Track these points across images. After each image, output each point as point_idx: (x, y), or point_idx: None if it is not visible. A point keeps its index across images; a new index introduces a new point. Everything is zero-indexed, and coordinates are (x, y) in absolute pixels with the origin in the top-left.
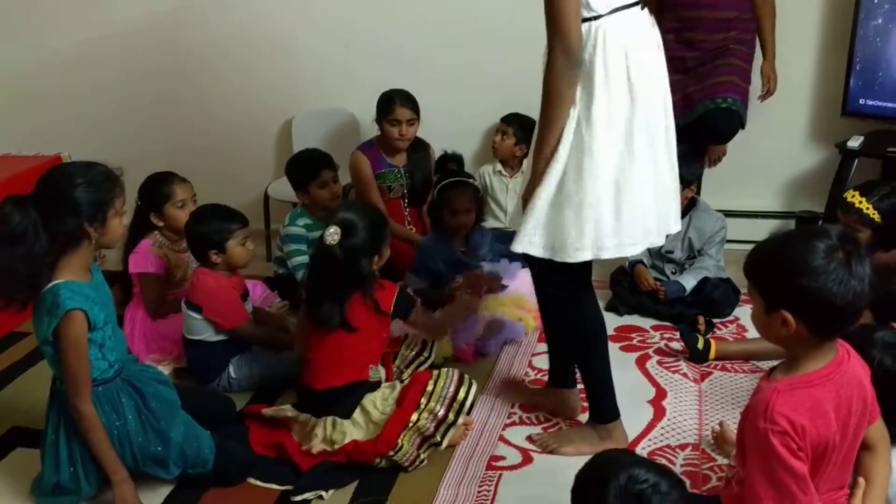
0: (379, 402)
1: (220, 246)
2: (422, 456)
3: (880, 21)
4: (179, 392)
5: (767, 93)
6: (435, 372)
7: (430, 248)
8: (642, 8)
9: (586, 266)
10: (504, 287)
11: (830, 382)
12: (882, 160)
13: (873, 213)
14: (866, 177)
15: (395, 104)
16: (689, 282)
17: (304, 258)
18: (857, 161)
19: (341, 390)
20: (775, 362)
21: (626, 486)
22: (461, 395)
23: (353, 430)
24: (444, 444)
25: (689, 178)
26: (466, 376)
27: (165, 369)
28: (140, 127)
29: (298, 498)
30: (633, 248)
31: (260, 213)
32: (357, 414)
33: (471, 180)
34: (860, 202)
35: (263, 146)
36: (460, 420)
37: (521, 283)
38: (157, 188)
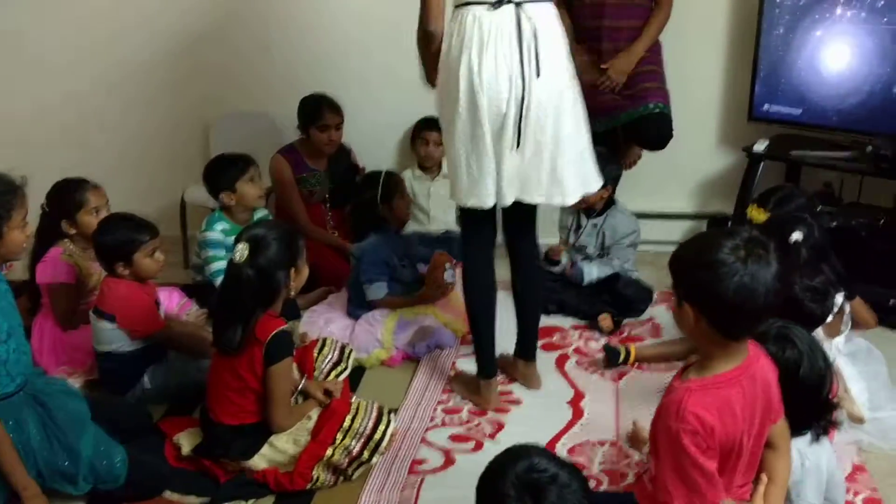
0: (290, 441)
1: (128, 258)
2: (340, 478)
3: (782, 31)
4: (92, 404)
5: (605, 81)
6: (354, 404)
7: (379, 248)
8: (495, 8)
9: (472, 216)
10: None
11: (739, 383)
12: (786, 163)
13: None
14: (772, 178)
15: (323, 109)
16: (591, 271)
17: (223, 264)
18: (763, 164)
19: (241, 429)
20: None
21: (524, 475)
22: (378, 433)
23: (264, 463)
24: (355, 476)
25: (605, 178)
26: (386, 410)
27: (76, 382)
28: (51, 130)
29: None
30: (477, 199)
31: (177, 218)
32: (266, 450)
33: None
34: (757, 214)
35: (181, 150)
36: (374, 459)
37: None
38: (69, 195)
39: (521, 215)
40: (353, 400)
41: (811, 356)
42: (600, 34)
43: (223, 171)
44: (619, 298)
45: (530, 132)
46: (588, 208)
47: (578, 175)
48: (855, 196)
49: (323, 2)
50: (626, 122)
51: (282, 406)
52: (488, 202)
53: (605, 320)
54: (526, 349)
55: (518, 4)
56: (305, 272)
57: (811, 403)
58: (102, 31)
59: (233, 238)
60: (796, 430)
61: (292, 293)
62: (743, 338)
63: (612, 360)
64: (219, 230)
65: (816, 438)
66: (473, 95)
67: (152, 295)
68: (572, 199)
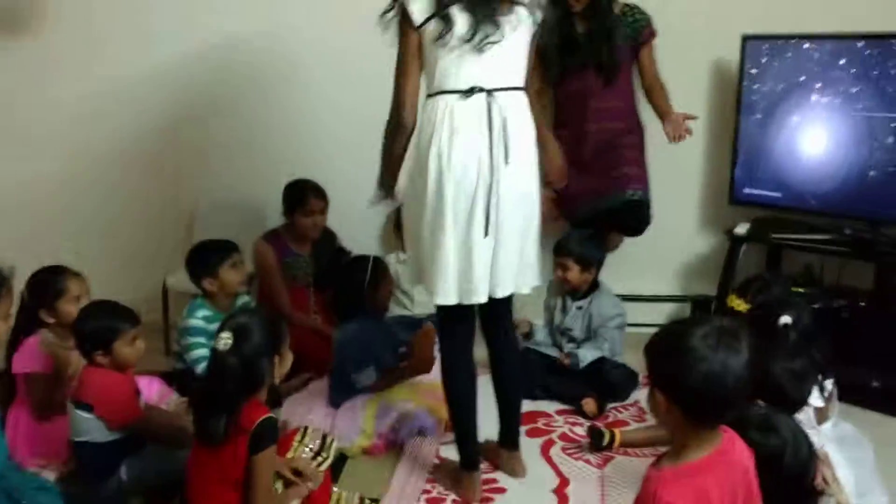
0: None
1: (107, 346)
2: None
3: (759, 116)
4: (67, 499)
5: (682, 132)
6: (335, 496)
7: (363, 334)
8: (466, 97)
9: (447, 311)
10: None
11: (715, 471)
12: (767, 245)
13: None
14: (754, 261)
15: (308, 195)
16: (586, 356)
17: (204, 352)
18: (744, 246)
19: None
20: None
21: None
22: None
23: None
24: None
25: (590, 262)
26: (368, 501)
27: (51, 474)
28: (31, 216)
29: None
30: (445, 298)
31: (159, 304)
32: None
33: None
34: (738, 304)
35: (164, 236)
36: None
37: (437, 369)
38: (49, 283)
39: (496, 303)
40: (334, 490)
41: (795, 444)
42: (586, 115)
43: (205, 258)
44: (604, 382)
45: (502, 219)
46: (573, 290)
47: (540, 261)
48: (836, 278)
49: (305, 89)
50: (607, 209)
51: (265, 496)
52: (452, 299)
53: (590, 405)
54: (509, 437)
55: (489, 93)
56: (290, 358)
57: (795, 491)
58: (85, 115)
59: (215, 325)
60: None
61: (277, 380)
62: (714, 425)
63: (596, 442)
64: (200, 317)
65: None
66: (442, 182)
67: (132, 384)
68: (538, 281)
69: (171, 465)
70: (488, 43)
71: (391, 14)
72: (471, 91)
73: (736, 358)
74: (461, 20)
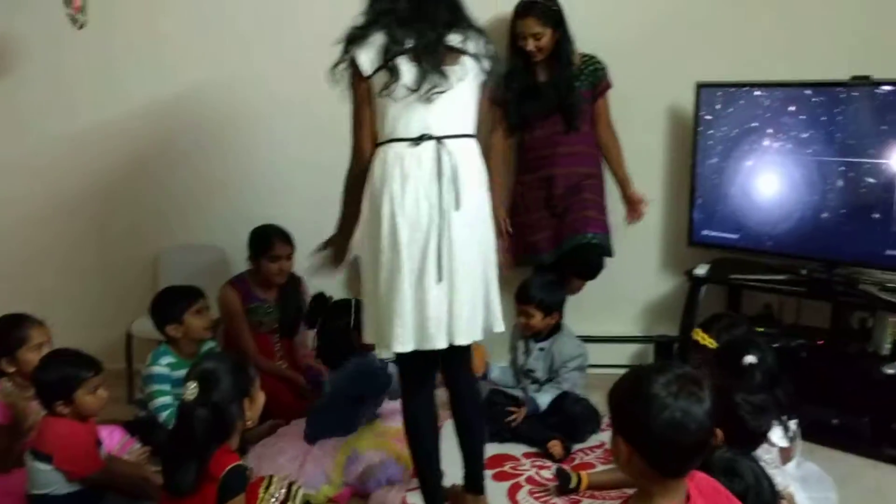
0: None
1: (69, 396)
2: None
3: (716, 160)
4: None
5: (637, 214)
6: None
7: (361, 372)
8: (416, 144)
9: (407, 358)
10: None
11: None
12: (727, 286)
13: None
14: (715, 301)
15: (274, 240)
16: (544, 400)
17: (168, 399)
18: (704, 287)
19: None
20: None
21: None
22: None
23: None
24: None
25: (553, 308)
26: None
27: None
28: None
29: None
30: (403, 345)
31: (122, 351)
32: None
33: None
34: (703, 338)
35: (128, 282)
36: None
37: None
38: (9, 332)
39: (456, 348)
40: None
41: (758, 488)
42: (554, 160)
43: (170, 304)
44: (567, 419)
45: (456, 265)
46: (535, 333)
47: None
48: (794, 318)
49: (269, 133)
50: (567, 251)
51: None
52: (409, 346)
53: (556, 447)
54: (473, 482)
55: (439, 140)
56: (261, 399)
57: None
58: (47, 163)
59: (179, 372)
60: None
61: (248, 423)
62: (676, 474)
63: (563, 485)
64: (164, 364)
65: None
66: (396, 227)
67: (93, 433)
68: (500, 327)
69: None
70: (436, 92)
71: (342, 66)
72: (420, 139)
73: (699, 406)
74: (408, 71)
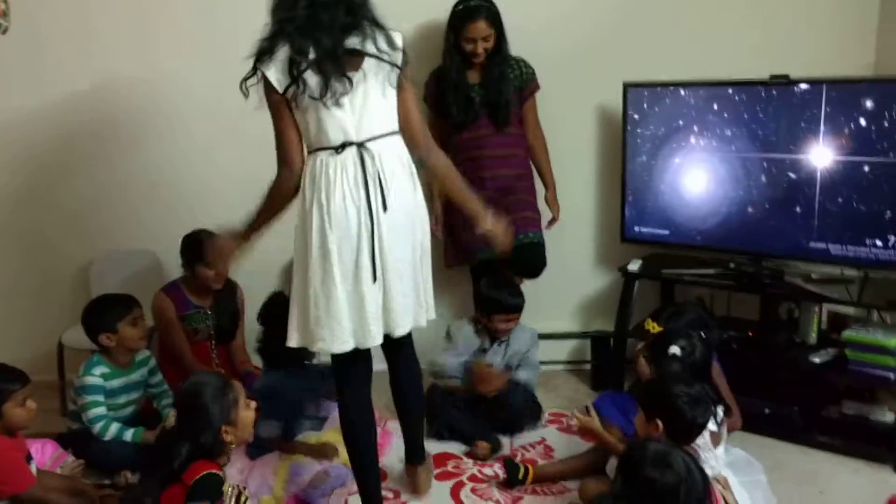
0: None
1: None
2: None
3: (644, 158)
4: None
5: (553, 220)
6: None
7: (284, 385)
8: (339, 152)
9: (344, 357)
10: None
11: None
12: (660, 281)
13: None
14: (649, 296)
15: (208, 245)
16: (521, 375)
17: (102, 410)
18: (638, 282)
19: None
20: None
21: None
22: None
23: None
24: None
25: (514, 307)
26: None
27: None
28: None
29: None
30: (342, 346)
31: (54, 362)
32: None
33: None
34: (653, 327)
35: (58, 290)
36: None
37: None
38: None
39: (395, 339)
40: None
41: (689, 480)
42: (481, 163)
43: (103, 313)
44: (510, 408)
45: (390, 263)
46: (496, 333)
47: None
48: (725, 310)
49: (203, 135)
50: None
51: None
52: (349, 346)
53: (483, 448)
54: (414, 451)
55: (360, 145)
56: (248, 419)
57: None
58: None
59: (112, 382)
60: None
61: (235, 445)
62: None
63: (511, 476)
64: (98, 374)
65: None
66: (325, 234)
67: (22, 448)
68: (432, 315)
69: None
70: (342, 98)
71: (252, 81)
72: (343, 146)
73: (704, 407)
74: (313, 82)
